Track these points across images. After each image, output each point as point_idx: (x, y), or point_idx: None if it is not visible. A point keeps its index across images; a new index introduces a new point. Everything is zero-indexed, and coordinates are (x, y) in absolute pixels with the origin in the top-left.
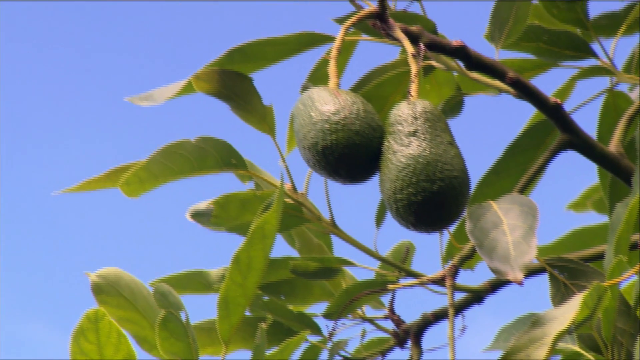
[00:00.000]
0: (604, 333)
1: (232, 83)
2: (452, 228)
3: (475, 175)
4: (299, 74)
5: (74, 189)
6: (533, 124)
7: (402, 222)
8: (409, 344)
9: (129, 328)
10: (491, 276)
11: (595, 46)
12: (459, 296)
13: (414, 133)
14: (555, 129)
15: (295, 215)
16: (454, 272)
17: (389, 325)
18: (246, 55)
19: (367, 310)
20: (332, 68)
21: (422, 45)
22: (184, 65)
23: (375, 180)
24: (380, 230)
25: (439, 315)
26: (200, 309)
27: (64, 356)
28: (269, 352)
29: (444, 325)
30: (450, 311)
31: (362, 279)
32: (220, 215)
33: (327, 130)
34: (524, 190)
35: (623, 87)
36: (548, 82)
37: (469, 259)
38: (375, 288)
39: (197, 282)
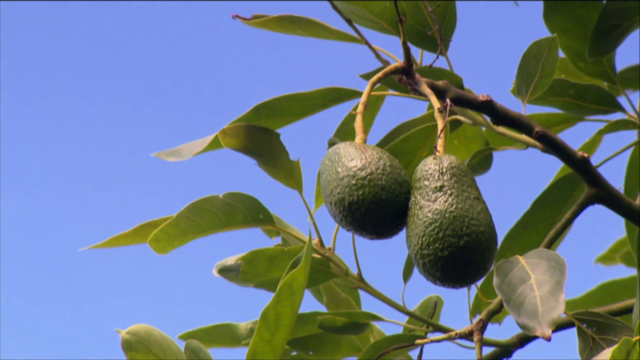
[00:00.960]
0: None
1: (258, 138)
2: (480, 282)
3: (503, 229)
4: (325, 128)
5: (101, 245)
6: (560, 177)
7: (429, 278)
8: None
9: None
10: (519, 330)
11: (622, 99)
12: (487, 350)
13: (440, 188)
14: (582, 182)
15: (323, 271)
16: (482, 327)
17: None
18: (272, 110)
19: None
20: (358, 123)
21: (448, 100)
22: (213, 118)
23: (402, 235)
24: (407, 285)
25: None
26: None
27: None
28: None
29: None
30: None
31: (390, 334)
32: (248, 272)
33: (354, 186)
34: (551, 244)
35: None
36: (574, 136)
37: (496, 314)
38: (403, 343)
39: (225, 335)
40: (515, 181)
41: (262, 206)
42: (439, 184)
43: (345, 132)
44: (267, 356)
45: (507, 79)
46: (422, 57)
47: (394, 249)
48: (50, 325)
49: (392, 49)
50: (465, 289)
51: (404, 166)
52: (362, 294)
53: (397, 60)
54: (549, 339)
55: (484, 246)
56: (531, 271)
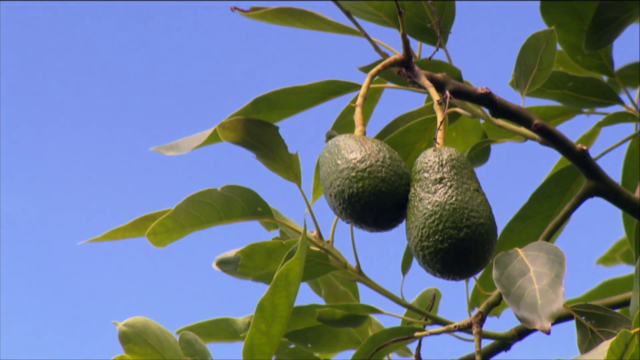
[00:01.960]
0: None
1: (257, 132)
2: (479, 275)
3: (501, 221)
4: (324, 121)
5: (99, 238)
6: (558, 170)
7: (428, 270)
8: None
9: None
10: (517, 323)
11: (621, 93)
12: (486, 343)
13: (440, 180)
14: (581, 175)
15: (321, 263)
16: (481, 320)
17: None
18: (271, 103)
19: (394, 358)
20: (357, 116)
21: (447, 93)
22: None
23: (401, 228)
24: (406, 277)
25: None
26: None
27: None
28: None
29: None
30: (477, 358)
31: (388, 327)
32: (246, 265)
33: (354, 178)
34: (550, 237)
35: None
36: (573, 128)
37: (495, 306)
38: (402, 336)
39: (223, 329)
40: (514, 174)
41: (260, 199)
42: (438, 176)
43: (343, 125)
44: (264, 348)
45: (506, 71)
46: (421, 49)
47: (393, 242)
48: (48, 317)
49: (391, 41)
50: (463, 282)
51: (403, 158)
52: (361, 287)
53: (396, 53)
54: (548, 332)
55: (484, 238)
56: (530, 264)
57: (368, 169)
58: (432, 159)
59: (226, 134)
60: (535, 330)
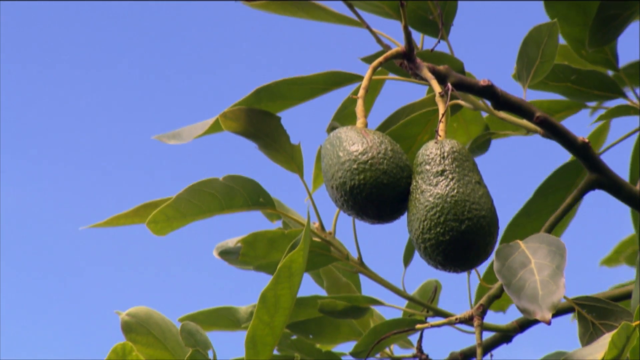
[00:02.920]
0: None
1: (259, 122)
2: (483, 270)
3: (505, 216)
4: (326, 112)
5: (101, 224)
6: (563, 164)
7: (430, 262)
8: None
9: None
10: (519, 315)
11: (625, 87)
12: (487, 335)
13: (441, 172)
14: (585, 169)
15: (323, 255)
16: (482, 312)
17: None
18: (273, 94)
19: (395, 350)
20: (359, 107)
21: (449, 85)
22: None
23: (403, 220)
24: (408, 269)
25: (467, 355)
26: (229, 345)
27: None
28: None
29: None
30: (479, 350)
31: (390, 318)
32: (248, 254)
33: (355, 170)
34: (552, 229)
35: None
36: (576, 123)
37: (497, 299)
38: (404, 327)
39: (225, 318)
40: (519, 169)
41: (262, 189)
42: (440, 168)
43: (344, 116)
44: (266, 339)
45: (509, 64)
46: (423, 41)
47: (395, 234)
48: (50, 306)
49: (393, 33)
50: (465, 274)
51: (405, 151)
52: (363, 278)
53: (398, 45)
54: (549, 323)
55: (485, 230)
56: (531, 255)
57: (370, 161)
58: (433, 151)
59: (228, 124)
60: (536, 322)
